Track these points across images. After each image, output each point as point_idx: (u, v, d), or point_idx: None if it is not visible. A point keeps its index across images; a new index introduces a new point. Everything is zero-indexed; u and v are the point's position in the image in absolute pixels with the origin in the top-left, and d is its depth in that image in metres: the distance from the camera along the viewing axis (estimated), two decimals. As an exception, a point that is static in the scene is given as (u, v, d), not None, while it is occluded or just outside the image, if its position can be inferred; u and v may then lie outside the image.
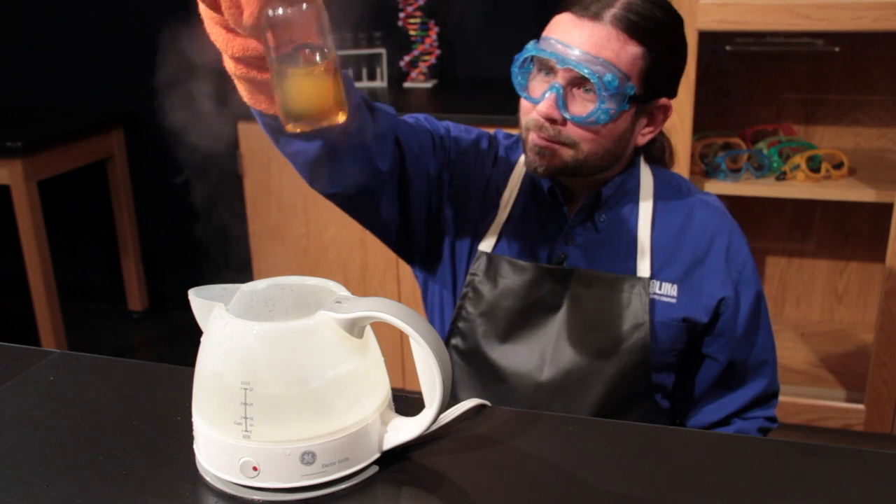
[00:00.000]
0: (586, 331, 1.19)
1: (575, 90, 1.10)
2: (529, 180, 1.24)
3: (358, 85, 2.54)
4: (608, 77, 1.07)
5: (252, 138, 2.48)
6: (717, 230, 1.22)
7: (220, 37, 0.83)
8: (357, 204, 1.18)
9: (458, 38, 2.79)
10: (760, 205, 2.49)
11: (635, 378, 1.19)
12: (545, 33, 1.13)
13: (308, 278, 0.84)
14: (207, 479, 0.77)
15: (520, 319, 1.21)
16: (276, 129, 1.02)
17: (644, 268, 1.19)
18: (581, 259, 1.21)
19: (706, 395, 1.28)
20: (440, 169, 1.23)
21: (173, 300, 3.33)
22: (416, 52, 2.75)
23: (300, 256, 2.60)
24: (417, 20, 2.72)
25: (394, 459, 0.80)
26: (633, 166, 1.22)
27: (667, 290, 1.19)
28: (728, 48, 2.38)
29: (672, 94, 1.18)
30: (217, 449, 0.75)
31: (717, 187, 2.17)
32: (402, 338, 2.36)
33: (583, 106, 1.10)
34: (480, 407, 0.90)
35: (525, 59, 1.14)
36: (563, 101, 1.10)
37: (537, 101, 1.11)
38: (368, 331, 0.79)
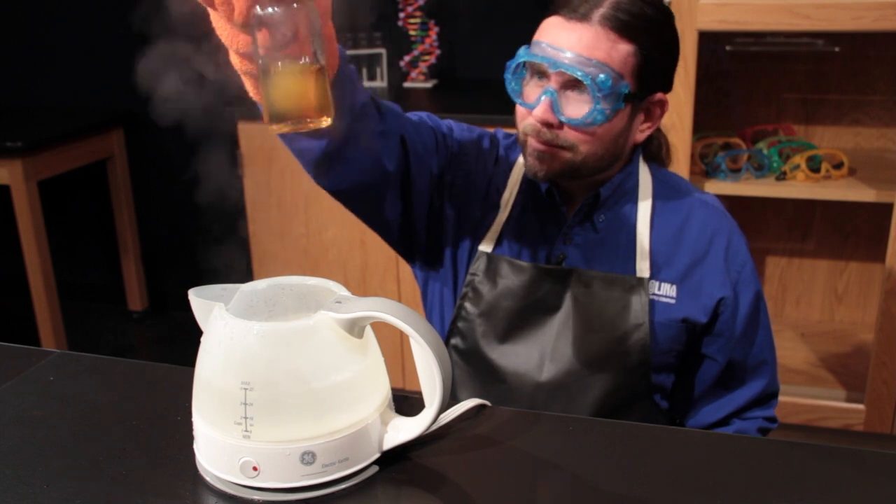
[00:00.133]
0: (586, 331, 1.19)
1: (569, 92, 1.10)
2: (528, 180, 1.24)
3: (358, 85, 2.54)
4: (601, 77, 1.07)
5: (252, 138, 2.48)
6: (717, 230, 1.22)
7: (226, 32, 0.84)
8: (362, 202, 1.18)
9: (458, 38, 2.79)
10: (760, 205, 2.49)
11: (635, 379, 1.19)
12: (536, 37, 1.13)
13: (308, 278, 0.84)
14: (207, 479, 0.77)
15: (519, 320, 1.21)
16: None
17: (643, 268, 1.19)
18: (580, 259, 1.21)
19: (705, 396, 1.28)
20: (442, 168, 1.23)
21: (173, 300, 3.33)
22: (416, 52, 2.75)
23: (300, 256, 2.60)
24: (417, 20, 2.72)
25: (394, 459, 0.80)
26: (631, 165, 1.22)
27: (666, 291, 1.19)
28: (728, 48, 2.38)
29: (667, 88, 1.18)
30: (217, 449, 0.75)
31: (717, 187, 2.17)
32: (402, 338, 2.36)
33: (578, 108, 1.10)
34: (480, 407, 0.90)
35: (518, 65, 1.14)
36: (558, 105, 1.10)
37: (532, 105, 1.12)
38: (368, 331, 0.79)
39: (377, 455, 0.79)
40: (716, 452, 0.83)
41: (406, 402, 0.87)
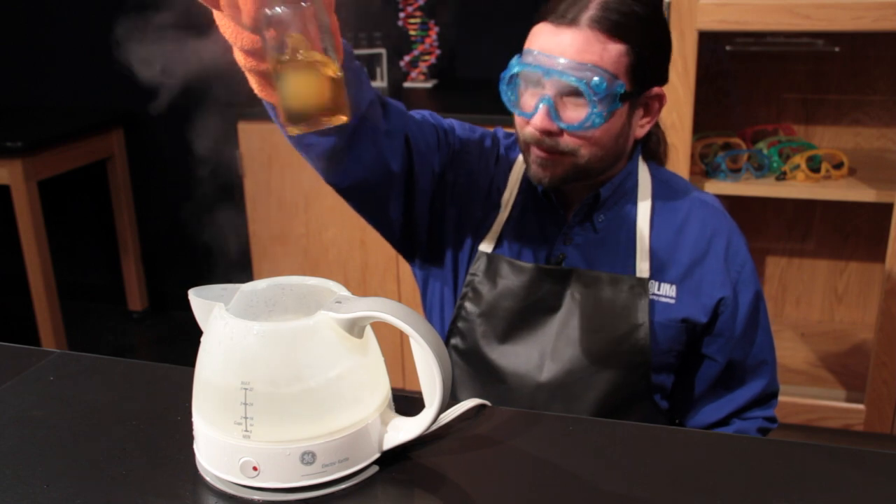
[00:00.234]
0: (586, 331, 1.19)
1: (566, 98, 1.10)
2: (527, 180, 1.24)
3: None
4: (596, 81, 1.07)
5: (252, 138, 2.48)
6: (716, 230, 1.22)
7: (230, 29, 0.83)
8: (367, 200, 1.19)
9: (458, 38, 2.79)
10: (760, 205, 2.49)
11: (635, 379, 1.19)
12: (527, 46, 1.13)
13: (308, 278, 0.84)
14: (207, 479, 0.77)
15: (519, 320, 1.21)
16: None
17: (643, 268, 1.19)
18: (580, 259, 1.21)
19: (705, 396, 1.27)
20: (444, 167, 1.23)
21: (173, 300, 3.33)
22: (416, 52, 2.75)
23: (300, 256, 2.59)
24: (417, 20, 2.72)
25: (394, 459, 0.80)
26: (632, 164, 1.22)
27: (666, 291, 1.19)
28: (728, 48, 2.38)
29: (663, 81, 1.18)
30: (217, 449, 0.75)
31: (717, 187, 2.16)
32: (402, 338, 2.36)
33: (576, 112, 1.10)
34: (480, 407, 0.90)
35: (511, 76, 1.14)
36: (555, 112, 1.10)
37: (530, 115, 1.12)
38: (368, 331, 0.79)
39: (377, 455, 0.79)
40: (716, 452, 0.83)
41: (406, 402, 0.87)
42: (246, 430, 0.73)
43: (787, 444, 0.84)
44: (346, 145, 1.07)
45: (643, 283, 1.18)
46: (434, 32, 2.73)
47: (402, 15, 2.73)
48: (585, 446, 0.84)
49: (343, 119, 0.83)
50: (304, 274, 0.84)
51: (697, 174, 2.23)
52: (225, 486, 0.76)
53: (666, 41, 1.17)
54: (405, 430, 0.79)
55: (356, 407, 0.76)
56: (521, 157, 1.25)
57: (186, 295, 0.80)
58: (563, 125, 1.10)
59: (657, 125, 1.26)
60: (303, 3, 0.77)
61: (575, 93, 1.09)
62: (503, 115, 2.23)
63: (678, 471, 0.79)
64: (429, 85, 2.74)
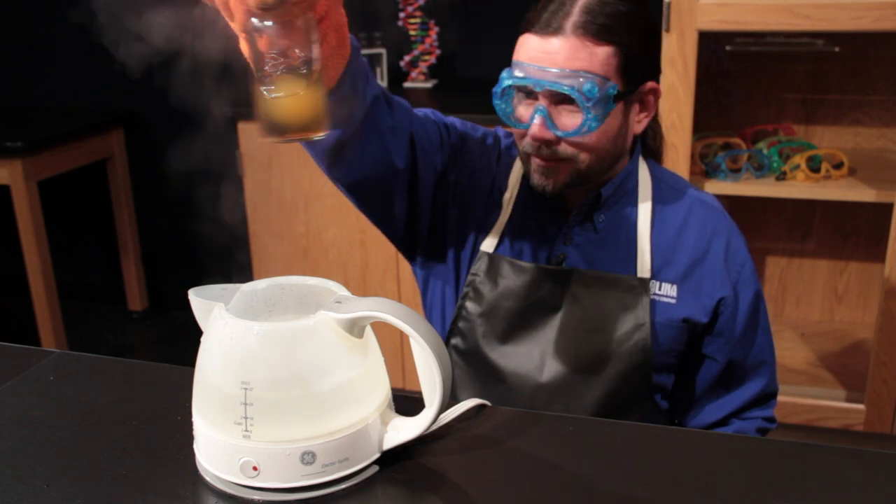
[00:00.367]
0: (586, 331, 1.19)
1: (559, 106, 1.11)
2: (527, 179, 1.24)
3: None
4: (587, 86, 1.07)
5: (252, 138, 2.48)
6: (716, 230, 1.22)
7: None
8: (371, 197, 1.19)
9: (458, 38, 2.78)
10: (760, 205, 2.49)
11: (636, 379, 1.19)
12: (515, 58, 1.13)
13: (308, 278, 0.84)
14: (207, 479, 0.77)
15: (520, 320, 1.21)
16: None
17: (644, 268, 1.19)
18: (580, 259, 1.21)
19: (705, 396, 1.27)
20: (446, 165, 1.23)
21: (173, 300, 3.33)
22: (416, 52, 2.75)
23: (300, 256, 2.60)
24: (417, 20, 2.72)
25: (394, 459, 0.80)
26: (632, 163, 1.22)
27: (666, 291, 1.19)
28: (728, 48, 2.38)
29: (655, 75, 1.18)
30: (217, 449, 0.75)
31: (717, 187, 2.17)
32: (402, 338, 2.36)
33: (571, 119, 1.10)
34: (480, 407, 0.90)
35: (504, 89, 1.14)
36: (550, 121, 1.10)
37: (526, 125, 1.12)
38: (368, 331, 0.79)
39: (377, 455, 0.79)
40: (716, 452, 0.83)
41: (406, 402, 0.87)
42: (246, 430, 0.73)
43: (787, 444, 0.84)
44: (351, 140, 1.07)
45: (644, 283, 1.18)
46: (434, 32, 2.73)
47: (402, 15, 2.73)
48: (585, 446, 0.84)
49: (320, 135, 0.83)
50: (304, 274, 0.84)
51: (697, 174, 2.23)
52: (225, 486, 0.76)
53: (653, 35, 1.17)
54: (405, 430, 0.79)
55: (356, 407, 0.76)
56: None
57: (186, 295, 0.80)
58: (559, 133, 1.11)
59: (654, 118, 1.26)
60: (291, 19, 0.77)
61: (568, 100, 1.09)
62: (503, 115, 2.23)
63: (678, 471, 0.79)
64: (429, 85, 2.74)
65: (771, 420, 1.29)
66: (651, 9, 1.19)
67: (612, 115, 1.11)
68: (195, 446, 0.79)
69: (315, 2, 0.78)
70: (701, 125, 2.32)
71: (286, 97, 0.80)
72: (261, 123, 0.82)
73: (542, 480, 0.78)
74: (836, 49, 2.32)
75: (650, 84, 1.16)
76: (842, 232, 2.52)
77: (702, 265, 1.20)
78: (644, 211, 1.21)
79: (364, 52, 2.72)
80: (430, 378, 0.76)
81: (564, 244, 1.21)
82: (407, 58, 2.76)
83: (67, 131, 2.89)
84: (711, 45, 2.38)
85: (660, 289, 1.19)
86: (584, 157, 1.13)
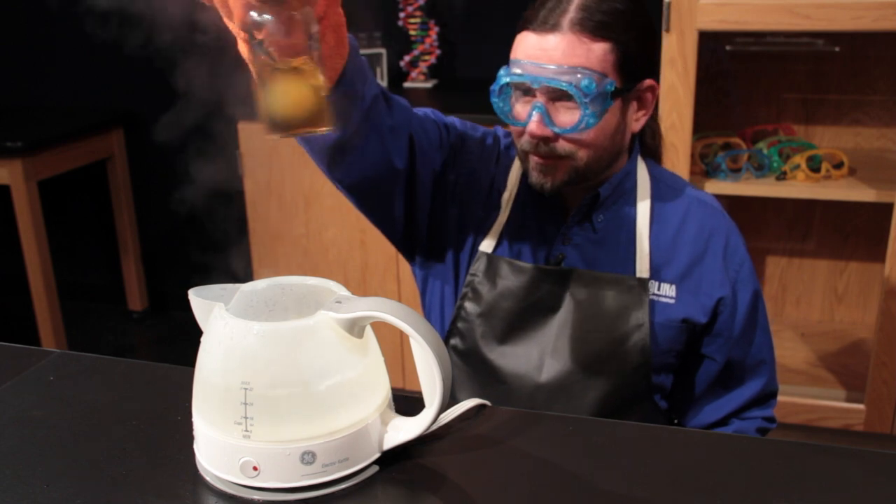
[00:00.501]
0: (585, 332, 1.19)
1: (557, 103, 1.11)
2: (526, 180, 1.24)
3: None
4: (585, 83, 1.07)
5: (252, 138, 2.48)
6: (715, 229, 1.22)
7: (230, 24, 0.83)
8: (370, 197, 1.19)
9: (458, 38, 2.78)
10: (760, 205, 2.49)
11: (635, 379, 1.19)
12: (513, 56, 1.13)
13: (308, 278, 0.84)
14: (207, 479, 0.77)
15: (519, 320, 1.21)
16: None
17: (643, 268, 1.19)
18: (579, 260, 1.21)
19: (704, 396, 1.27)
20: (445, 165, 1.23)
21: (173, 300, 3.33)
22: (416, 52, 2.75)
23: (300, 256, 2.60)
24: (417, 20, 2.72)
25: (394, 459, 0.80)
26: (630, 163, 1.22)
27: (665, 291, 1.19)
28: (728, 48, 2.38)
29: (653, 72, 1.18)
30: (217, 449, 0.75)
31: (717, 187, 2.16)
32: (402, 338, 2.36)
33: (569, 116, 1.10)
34: (480, 407, 0.90)
35: (501, 87, 1.14)
36: (548, 118, 1.10)
37: (524, 123, 1.12)
38: (368, 331, 0.79)
39: (377, 455, 0.79)
40: (716, 452, 0.83)
41: (406, 402, 0.87)
42: (246, 430, 0.73)
43: (787, 444, 0.84)
44: (351, 140, 1.07)
45: (643, 282, 1.18)
46: (434, 32, 2.73)
47: (402, 15, 2.73)
48: (585, 446, 0.83)
49: (324, 130, 0.83)
50: (304, 274, 0.84)
51: (697, 174, 2.23)
52: (225, 486, 0.76)
53: (650, 32, 1.17)
54: (405, 430, 0.79)
55: (356, 407, 0.76)
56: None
57: (186, 295, 0.80)
58: (557, 130, 1.11)
59: (653, 117, 1.26)
60: (290, 13, 0.77)
61: (565, 97, 1.09)
62: (503, 115, 2.23)
63: (678, 471, 0.79)
64: (429, 85, 2.74)
65: (771, 420, 1.29)
66: (650, 8, 1.19)
67: (609, 111, 1.11)
68: (195, 446, 0.79)
69: None
70: (701, 125, 2.32)
71: (288, 92, 0.80)
72: (264, 120, 0.82)
73: (542, 480, 0.78)
74: (836, 49, 2.32)
75: (648, 82, 1.16)
76: (842, 232, 2.52)
77: (700, 265, 1.20)
78: (643, 211, 1.21)
79: (364, 52, 2.73)
80: (430, 378, 0.76)
81: (563, 244, 1.21)
82: (407, 58, 2.76)
83: (67, 131, 2.89)
84: (711, 45, 2.38)
85: (659, 289, 1.19)
86: (582, 154, 1.13)
